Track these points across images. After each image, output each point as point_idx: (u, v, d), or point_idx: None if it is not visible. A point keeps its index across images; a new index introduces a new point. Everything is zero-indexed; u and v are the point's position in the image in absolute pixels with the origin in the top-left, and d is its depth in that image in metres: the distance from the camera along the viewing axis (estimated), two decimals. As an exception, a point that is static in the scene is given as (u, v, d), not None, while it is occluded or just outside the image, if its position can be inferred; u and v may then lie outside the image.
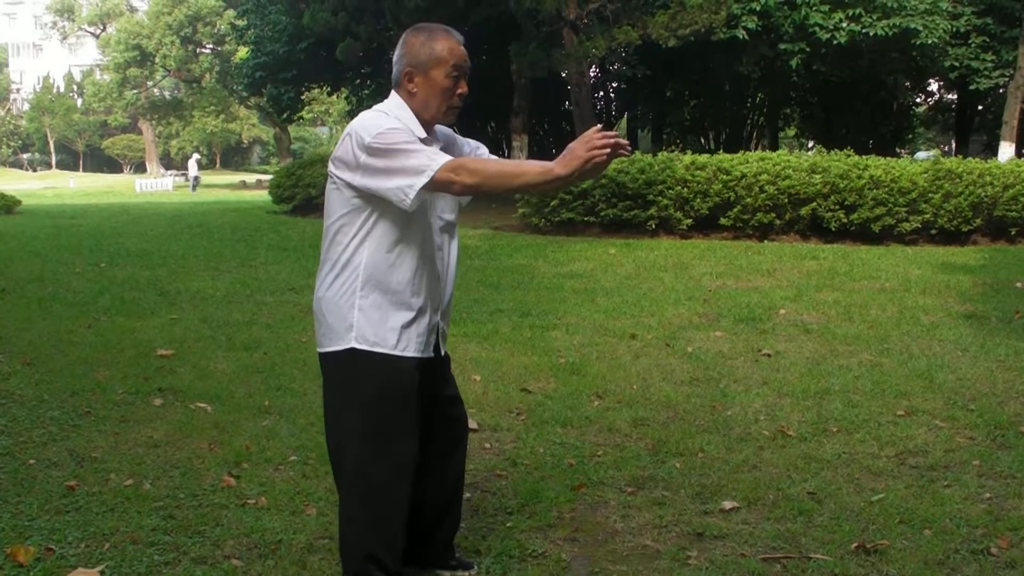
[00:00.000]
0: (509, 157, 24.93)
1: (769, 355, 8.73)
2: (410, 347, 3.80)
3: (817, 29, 22.43)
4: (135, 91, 78.24)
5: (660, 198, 17.90)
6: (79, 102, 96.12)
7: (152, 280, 13.68)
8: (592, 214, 18.50)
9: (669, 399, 7.30)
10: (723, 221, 17.78)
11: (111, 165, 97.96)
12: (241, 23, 33.98)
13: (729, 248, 16.32)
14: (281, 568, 4.41)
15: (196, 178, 58.29)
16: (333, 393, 3.91)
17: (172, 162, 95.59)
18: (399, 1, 21.62)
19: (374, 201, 3.67)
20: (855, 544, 4.56)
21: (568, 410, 7.01)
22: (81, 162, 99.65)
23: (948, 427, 6.56)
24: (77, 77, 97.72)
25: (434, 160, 3.51)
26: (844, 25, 22.48)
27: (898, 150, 29.72)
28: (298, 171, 27.02)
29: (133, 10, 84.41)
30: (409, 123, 3.77)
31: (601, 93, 32.18)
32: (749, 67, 24.04)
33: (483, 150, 4.17)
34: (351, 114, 33.37)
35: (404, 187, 3.55)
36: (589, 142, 3.41)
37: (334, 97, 36.00)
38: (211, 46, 74.35)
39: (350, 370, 3.80)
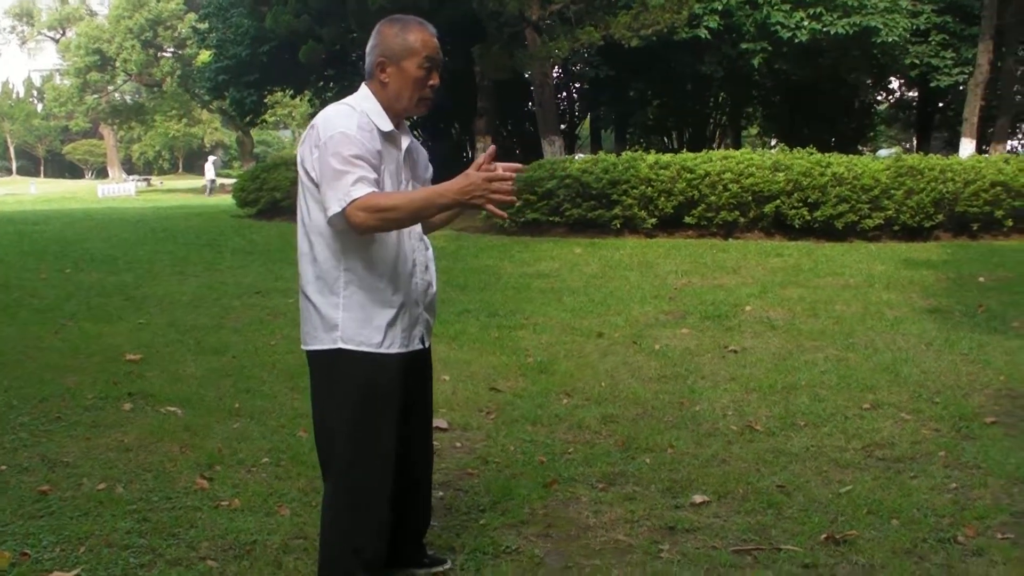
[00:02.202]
0: (473, 159, 24.98)
1: (736, 351, 8.80)
2: (395, 344, 3.83)
3: (779, 28, 22.57)
4: (96, 96, 77.75)
5: (624, 197, 17.97)
6: (39, 107, 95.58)
7: (118, 285, 13.63)
8: (557, 214, 18.55)
9: (637, 396, 7.35)
10: (688, 219, 17.85)
11: (73, 171, 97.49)
12: (203, 26, 33.83)
13: (694, 246, 16.40)
14: (256, 569, 4.42)
15: (212, 181, 57.75)
16: (319, 391, 3.92)
17: (134, 167, 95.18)
18: (362, 3, 21.56)
19: None
20: (824, 535, 4.61)
21: (537, 408, 7.05)
22: (42, 168, 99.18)
23: (913, 419, 6.64)
24: (37, 82, 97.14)
25: (351, 191, 3.56)
26: (805, 24, 22.64)
27: (860, 148, 29.92)
28: (263, 175, 26.92)
29: (93, 14, 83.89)
30: (375, 116, 3.78)
31: (565, 94, 32.26)
32: (711, 67, 24.17)
33: (430, 172, 4.16)
34: (314, 117, 33.25)
35: (325, 205, 3.64)
36: (487, 171, 3.56)
37: (297, 100, 35.86)
38: (172, 50, 73.90)
39: (336, 369, 3.81)
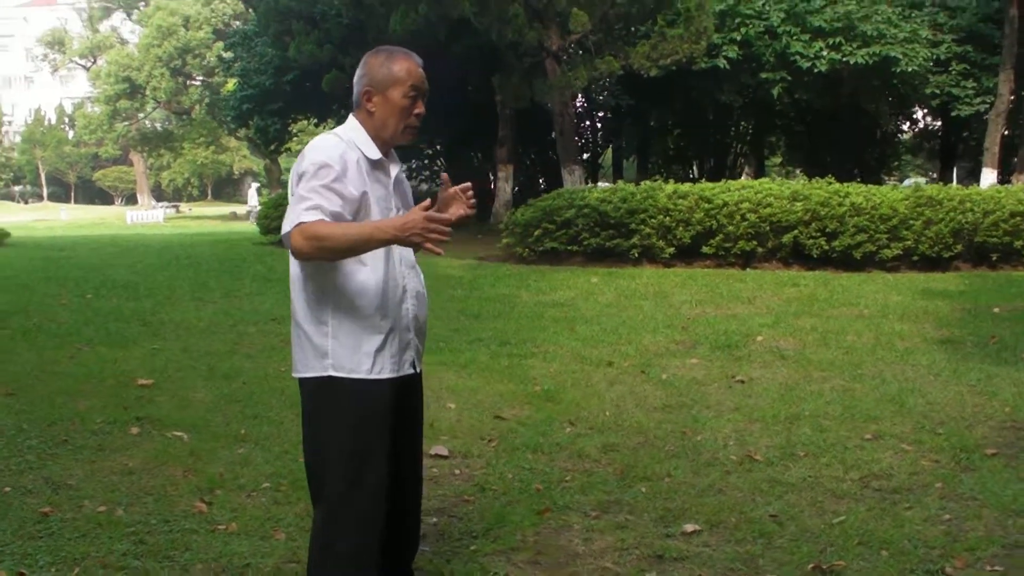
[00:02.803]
0: (495, 187, 25.08)
1: (743, 381, 8.81)
2: (384, 369, 3.87)
3: (798, 58, 22.58)
4: (126, 123, 78.29)
5: (642, 227, 17.97)
6: (70, 134, 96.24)
7: (137, 311, 13.73)
8: (576, 243, 18.57)
9: (640, 425, 7.38)
10: (706, 249, 17.84)
11: (103, 197, 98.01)
12: (228, 55, 34.11)
13: (711, 276, 16.40)
14: (247, 592, 4.48)
15: (255, 207, 57.84)
16: (311, 418, 3.95)
17: (163, 194, 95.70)
18: (382, 33, 21.73)
19: None
20: (812, 565, 4.63)
21: (540, 436, 7.07)
22: (73, 194, 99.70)
23: (914, 450, 6.64)
24: (68, 109, 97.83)
25: (300, 216, 3.61)
26: (824, 54, 22.64)
27: (884, 177, 29.83)
28: (284, 202, 26.93)
29: (124, 43, 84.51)
30: (362, 145, 3.86)
31: (588, 123, 32.34)
32: (731, 96, 24.18)
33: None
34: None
35: (283, 225, 3.71)
36: (430, 216, 3.60)
37: (321, 128, 36.08)
38: (201, 78, 74.34)
39: (327, 397, 3.86)
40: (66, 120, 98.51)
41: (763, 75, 23.35)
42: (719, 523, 5.28)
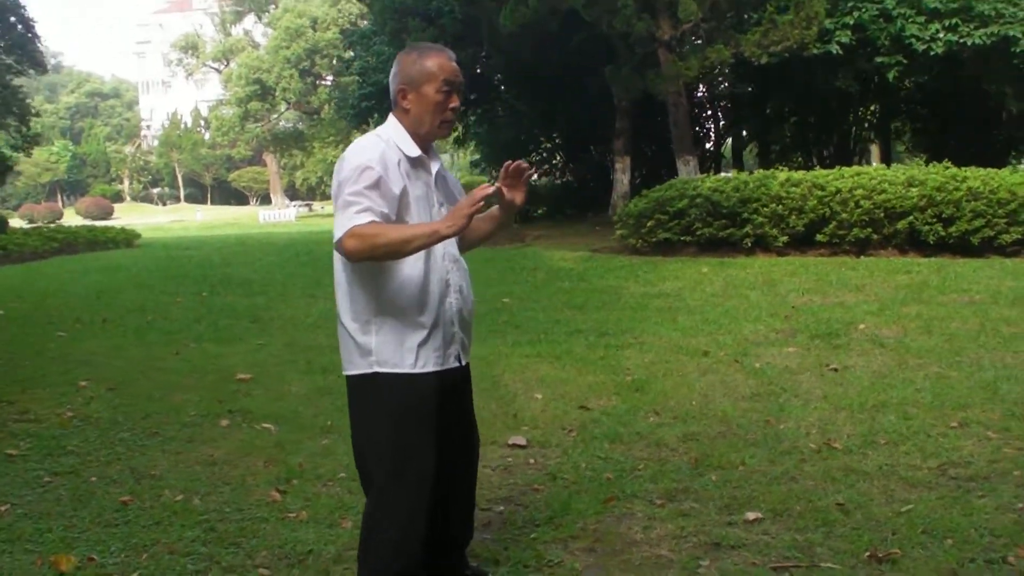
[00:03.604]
0: (612, 180, 25.01)
1: (836, 369, 8.69)
2: (429, 363, 3.93)
3: (913, 41, 21.99)
4: (257, 124, 79.79)
5: (755, 216, 17.77)
6: (206, 136, 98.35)
7: (249, 308, 14.04)
8: (689, 233, 18.44)
9: (725, 414, 7.34)
10: (819, 237, 17.55)
11: (238, 197, 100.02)
12: (348, 55, 34.39)
13: (823, 264, 16.14)
14: (305, 578, 4.57)
15: None
16: (358, 414, 4.04)
17: (297, 193, 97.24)
18: (495, 29, 21.86)
19: None
20: (868, 553, 4.57)
21: (621, 426, 7.08)
22: (209, 195, 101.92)
23: (999, 438, 6.48)
24: (204, 112, 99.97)
25: (352, 220, 3.68)
26: (941, 36, 22.01)
27: (1012, 161, 28.97)
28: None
29: (255, 45, 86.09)
30: (402, 143, 3.93)
31: (709, 112, 32.04)
32: (847, 82, 23.72)
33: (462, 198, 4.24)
34: (459, 142, 33.66)
35: (334, 232, 3.76)
36: (471, 199, 3.65)
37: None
38: (330, 78, 75.45)
39: (372, 392, 3.93)
40: (201, 123, 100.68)
41: (878, 59, 22.80)
42: (784, 511, 5.24)
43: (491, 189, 3.76)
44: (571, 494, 5.65)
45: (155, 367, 9.70)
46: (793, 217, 17.67)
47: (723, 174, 24.27)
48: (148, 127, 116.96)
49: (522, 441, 6.78)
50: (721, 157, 33.86)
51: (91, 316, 13.67)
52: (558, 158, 31.39)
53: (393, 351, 3.88)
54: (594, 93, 25.21)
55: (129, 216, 73.38)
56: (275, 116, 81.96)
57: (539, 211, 29.25)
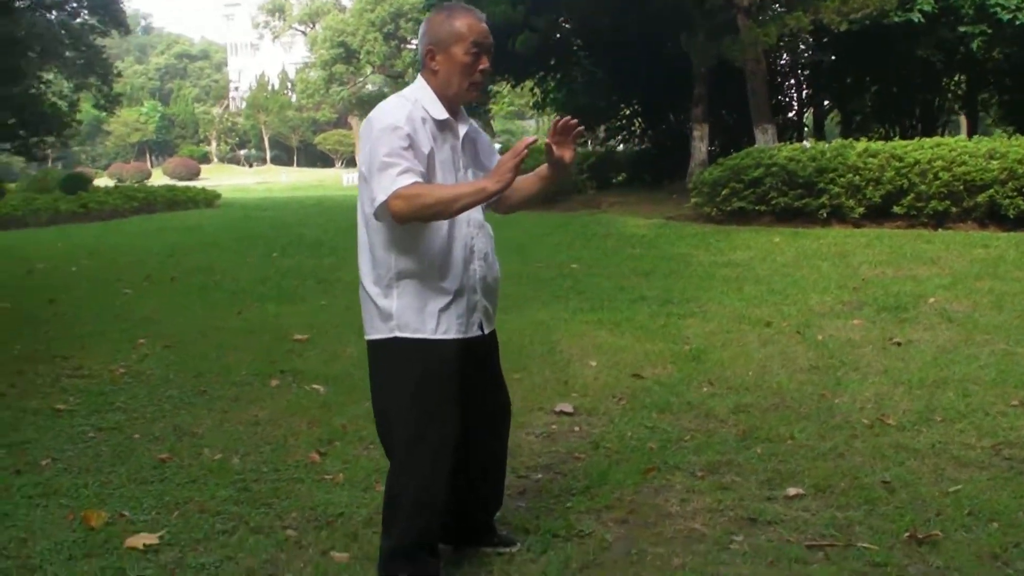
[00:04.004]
0: (690, 147, 24.75)
1: (899, 344, 8.49)
2: (450, 330, 3.89)
3: (998, 10, 21.40)
4: (342, 87, 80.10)
5: (831, 186, 17.45)
6: (293, 99, 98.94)
7: (315, 269, 14.10)
8: (764, 203, 18.19)
9: (780, 386, 7.19)
10: (896, 209, 17.15)
11: (324, 160, 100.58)
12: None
13: (899, 237, 15.78)
14: (333, 539, 4.56)
15: None
16: (378, 378, 4.01)
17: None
18: (574, -7, 21.71)
19: None
20: (907, 534, 4.42)
21: (672, 396, 6.97)
22: (295, 157, 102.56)
23: (1060, 418, 6.29)
24: (291, 75, 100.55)
25: (395, 183, 3.61)
26: (1027, 4, 21.53)
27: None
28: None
29: (342, 8, 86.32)
30: (428, 105, 3.86)
31: (792, 80, 31.58)
32: (929, 51, 23.17)
33: (496, 159, 4.16)
34: (538, 106, 33.46)
35: (371, 198, 3.70)
36: (514, 151, 3.57)
37: (519, 89, 35.99)
38: (414, 42, 75.49)
39: (393, 356, 3.90)
40: (288, 85, 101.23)
41: (961, 29, 22.21)
42: (827, 487, 5.09)
43: (532, 139, 3.67)
44: (611, 464, 5.57)
45: (215, 326, 9.75)
46: (870, 188, 17.33)
47: (803, 143, 23.95)
48: (236, 89, 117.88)
49: (569, 408, 6.70)
50: (804, 126, 33.35)
51: (160, 275, 13.82)
52: (637, 125, 31.11)
53: (414, 316, 3.84)
54: (673, 59, 24.91)
55: (217, 177, 74.23)
56: (360, 79, 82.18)
57: (618, 178, 29.05)
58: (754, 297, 10.94)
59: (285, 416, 6.59)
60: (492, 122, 65.17)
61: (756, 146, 20.78)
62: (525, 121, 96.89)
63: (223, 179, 70.34)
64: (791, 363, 7.94)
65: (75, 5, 36.11)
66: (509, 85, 33.15)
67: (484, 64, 3.89)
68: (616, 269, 13.49)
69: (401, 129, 3.71)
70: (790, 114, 31.45)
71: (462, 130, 3.96)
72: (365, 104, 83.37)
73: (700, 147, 24.06)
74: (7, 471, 5.61)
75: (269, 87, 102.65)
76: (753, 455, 5.65)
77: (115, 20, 36.67)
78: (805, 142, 25.77)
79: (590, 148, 29.94)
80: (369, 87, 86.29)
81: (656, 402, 6.81)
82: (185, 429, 6.37)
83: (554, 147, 3.90)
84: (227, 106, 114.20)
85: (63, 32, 34.53)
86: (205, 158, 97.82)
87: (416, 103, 3.84)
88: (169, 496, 5.14)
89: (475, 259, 3.97)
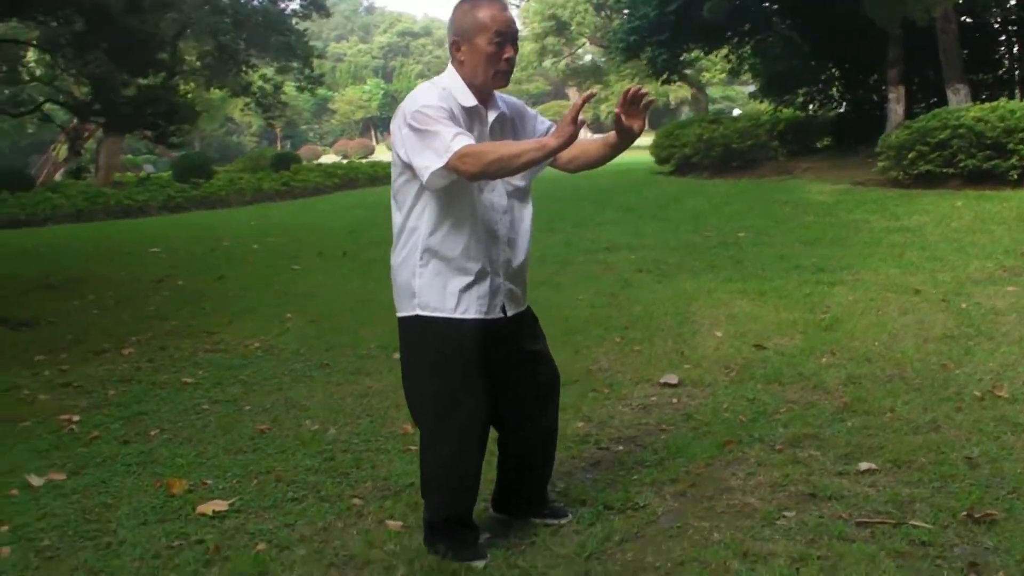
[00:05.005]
0: (885, 110, 24.02)
1: (1048, 313, 8.11)
2: (470, 310, 3.93)
3: None
4: (554, 59, 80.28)
5: (1021, 146, 16.71)
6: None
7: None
8: (951, 165, 17.47)
9: (904, 356, 6.95)
10: (1093, 170, 16.35)
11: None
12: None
13: (1095, 200, 15.01)
14: (394, 508, 4.65)
15: None
16: (404, 355, 4.13)
17: (601, 127, 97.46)
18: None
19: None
20: (965, 512, 4.23)
21: (787, 367, 6.83)
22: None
23: None
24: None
25: (450, 147, 3.64)
26: None
27: None
28: (676, 131, 27.08)
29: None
30: (457, 92, 3.91)
31: (1003, 38, 30.25)
32: None
33: (547, 126, 4.18)
34: (733, 72, 32.92)
35: (423, 168, 3.73)
36: (573, 107, 3.55)
37: (713, 56, 35.35)
38: (626, 12, 74.99)
39: (416, 335, 4.00)
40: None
41: None
42: (906, 462, 4.90)
43: (591, 92, 3.67)
44: (695, 436, 5.50)
45: (365, 300, 9.96)
46: (1063, 148, 16.51)
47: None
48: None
49: (674, 380, 6.62)
50: (1014, 85, 31.92)
51: (334, 250, 14.18)
52: (834, 89, 30.29)
53: (436, 295, 3.91)
54: (868, 21, 24.17)
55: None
56: (574, 50, 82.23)
57: (820, 143, 28.39)
58: (912, 264, 10.59)
59: (395, 388, 6.62)
60: (708, 90, 64.45)
61: (947, 107, 20.00)
62: (748, 87, 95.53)
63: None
64: (925, 332, 7.67)
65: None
66: (703, 52, 32.59)
67: (509, 53, 3.91)
68: (783, 238, 13.23)
69: (432, 106, 3.77)
70: (1000, 72, 30.08)
71: (491, 116, 4.00)
72: (577, 75, 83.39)
73: (896, 109, 23.29)
74: (117, 441, 5.89)
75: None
76: (842, 429, 5.49)
77: (316, 4, 37.78)
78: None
79: (783, 113, 29.15)
80: (588, 57, 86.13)
81: (767, 373, 6.68)
82: (295, 401, 6.55)
83: (623, 117, 3.87)
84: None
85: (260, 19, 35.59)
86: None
87: (445, 90, 3.91)
88: (254, 466, 5.31)
89: (500, 244, 4.02)
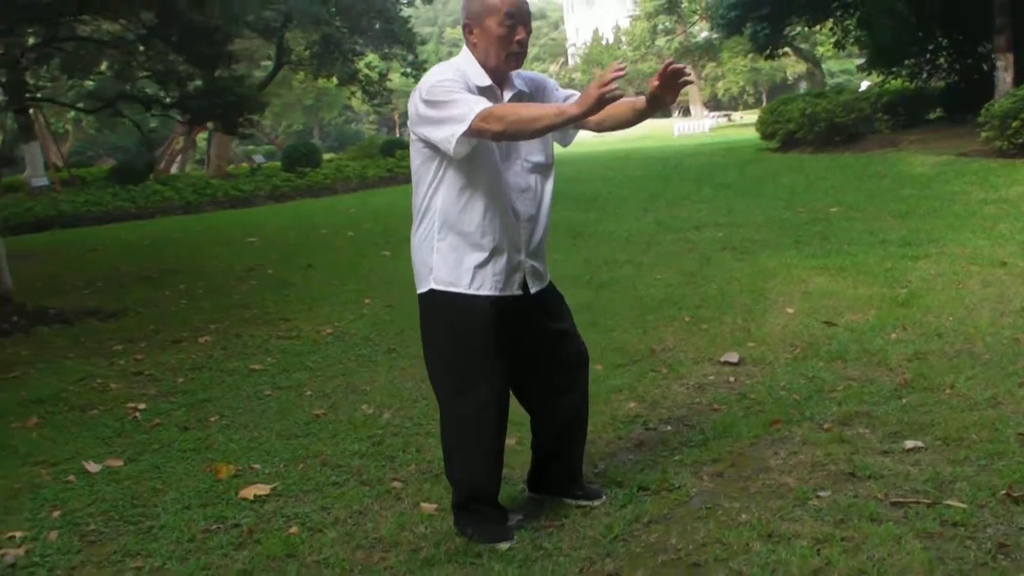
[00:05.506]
0: (993, 77, 23.44)
1: None
2: (485, 286, 3.94)
3: None
4: (668, 38, 79.86)
5: None
6: (629, 53, 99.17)
7: (576, 223, 14.18)
8: (1058, 134, 17.02)
9: (977, 331, 6.77)
10: None
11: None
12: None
13: None
14: (431, 492, 4.66)
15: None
16: (422, 331, 4.12)
17: (719, 104, 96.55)
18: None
19: (440, 150, 3.83)
20: (1004, 491, 4.11)
21: (854, 343, 6.71)
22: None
23: None
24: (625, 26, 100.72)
25: (472, 110, 3.65)
26: None
27: None
28: (780, 107, 26.81)
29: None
30: (470, 73, 3.92)
31: None
32: None
33: (572, 97, 4.11)
34: (838, 45, 32.29)
35: (448, 136, 3.72)
36: (601, 80, 3.50)
37: (818, 29, 34.73)
38: (736, -11, 74.35)
39: (432, 310, 4.02)
40: (622, 39, 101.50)
41: None
42: (955, 440, 4.77)
43: (621, 66, 3.62)
44: (744, 416, 5.43)
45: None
46: None
47: None
48: (573, 45, 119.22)
49: (735, 358, 6.54)
50: None
51: (420, 237, 14.18)
52: (943, 59, 29.59)
53: (450, 270, 3.93)
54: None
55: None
56: (688, 28, 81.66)
57: (931, 114, 27.80)
58: (1003, 236, 10.29)
59: (455, 372, 6.71)
60: (825, 64, 63.48)
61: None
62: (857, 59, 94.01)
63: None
64: (1003, 306, 7.46)
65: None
66: (805, 26, 32.11)
67: (521, 35, 3.90)
68: (874, 211, 12.99)
69: (450, 80, 3.80)
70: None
71: (507, 96, 3.98)
72: (692, 53, 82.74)
73: (1005, 78, 22.68)
74: (177, 428, 6.00)
75: (603, 42, 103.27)
76: (896, 406, 5.37)
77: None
78: None
79: (890, 85, 28.56)
80: (703, 35, 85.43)
81: (832, 350, 6.57)
82: (356, 386, 6.61)
83: (657, 88, 3.82)
84: (563, 63, 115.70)
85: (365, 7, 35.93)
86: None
87: (459, 71, 3.91)
88: (303, 450, 5.37)
89: (519, 222, 4.01)
